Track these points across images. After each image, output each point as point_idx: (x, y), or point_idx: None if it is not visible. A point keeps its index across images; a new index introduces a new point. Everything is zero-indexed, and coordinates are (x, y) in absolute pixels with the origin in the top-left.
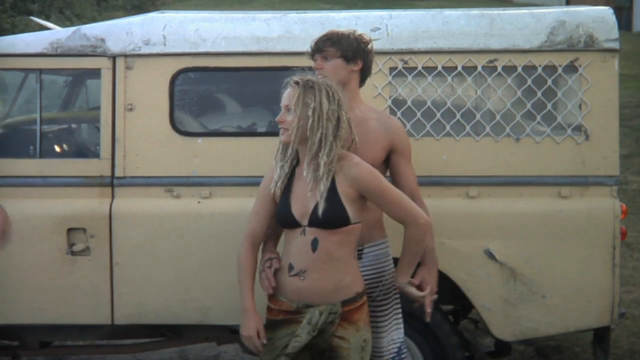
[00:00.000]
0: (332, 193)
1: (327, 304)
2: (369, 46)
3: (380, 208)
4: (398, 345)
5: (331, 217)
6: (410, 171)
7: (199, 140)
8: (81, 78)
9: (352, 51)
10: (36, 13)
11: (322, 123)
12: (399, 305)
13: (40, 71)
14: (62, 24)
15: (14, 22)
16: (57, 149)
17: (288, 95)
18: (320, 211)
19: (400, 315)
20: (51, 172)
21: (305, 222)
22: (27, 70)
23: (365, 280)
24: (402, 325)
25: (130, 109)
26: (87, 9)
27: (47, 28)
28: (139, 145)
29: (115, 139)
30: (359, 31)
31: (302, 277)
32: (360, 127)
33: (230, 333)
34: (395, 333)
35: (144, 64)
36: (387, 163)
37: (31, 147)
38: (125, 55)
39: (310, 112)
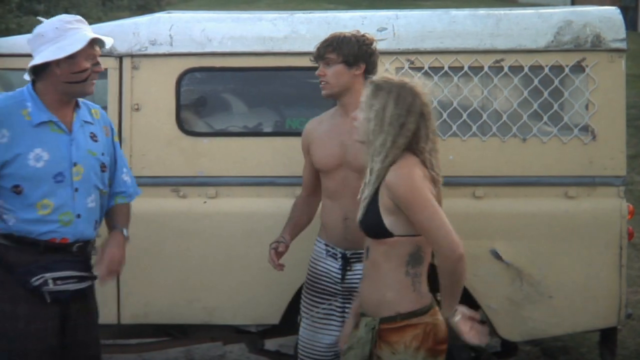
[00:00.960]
0: (373, 201)
1: (371, 317)
2: (372, 46)
3: (412, 223)
4: None
5: (368, 226)
6: None
7: (205, 140)
8: None
9: (354, 55)
10: (42, 13)
11: (384, 127)
12: None
13: None
14: None
15: (20, 22)
16: None
17: (362, 96)
18: (359, 219)
19: None
20: None
21: (360, 228)
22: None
23: (358, 282)
24: None
25: (137, 109)
26: (93, 9)
27: None
28: (145, 145)
29: (121, 139)
30: (362, 31)
31: (362, 283)
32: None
33: (236, 333)
34: None
35: (150, 64)
36: None
37: None
38: (132, 56)
39: (372, 115)
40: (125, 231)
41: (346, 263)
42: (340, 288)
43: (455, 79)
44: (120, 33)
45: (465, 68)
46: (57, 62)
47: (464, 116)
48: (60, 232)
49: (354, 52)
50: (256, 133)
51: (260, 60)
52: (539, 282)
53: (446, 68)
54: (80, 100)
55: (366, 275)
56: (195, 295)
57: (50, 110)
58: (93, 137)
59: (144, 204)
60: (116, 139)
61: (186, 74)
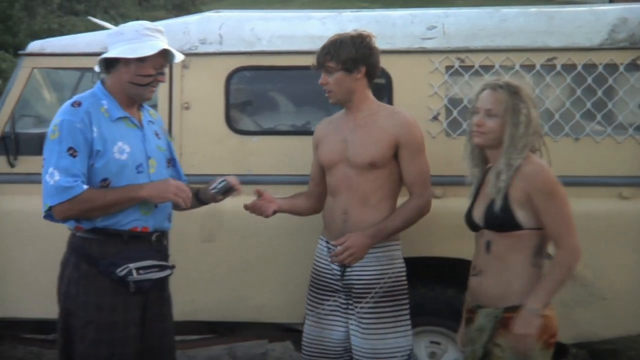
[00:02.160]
0: (504, 195)
1: (492, 307)
2: (370, 45)
3: (540, 216)
4: (407, 353)
5: (495, 219)
6: (415, 166)
7: (254, 139)
8: None
9: (352, 60)
10: (82, 13)
11: (529, 130)
12: (406, 312)
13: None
14: (108, 23)
15: (61, 22)
16: None
17: (491, 99)
18: (488, 213)
19: (408, 323)
20: None
21: (481, 223)
22: (84, 70)
23: (362, 280)
24: (410, 333)
25: (187, 108)
26: (131, 8)
27: (104, 28)
28: (194, 144)
29: (171, 137)
30: (359, 30)
31: (478, 278)
32: (366, 126)
33: (284, 331)
34: (402, 340)
35: (200, 63)
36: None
37: None
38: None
39: (520, 120)
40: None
41: None
42: (341, 285)
43: (507, 77)
44: (170, 32)
45: (517, 67)
46: (126, 61)
47: None
48: (142, 221)
49: (352, 57)
50: (304, 132)
51: (309, 59)
52: (592, 284)
53: (497, 67)
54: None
55: (485, 269)
56: (245, 293)
57: (122, 107)
58: (157, 134)
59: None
60: (170, 139)
61: (235, 73)
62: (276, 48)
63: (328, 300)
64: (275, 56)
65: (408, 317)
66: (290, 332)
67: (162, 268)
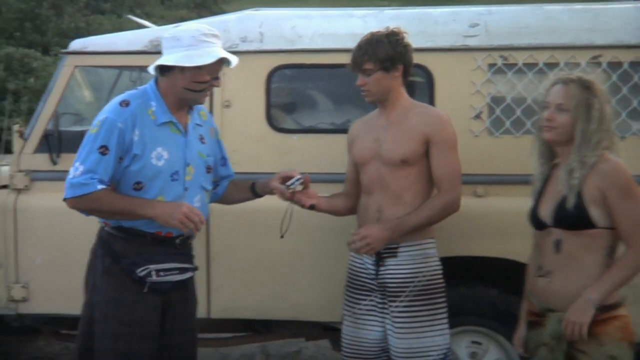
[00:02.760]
0: (577, 192)
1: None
2: (405, 42)
3: (613, 215)
4: (443, 352)
5: (568, 217)
6: (444, 162)
7: (295, 137)
8: None
9: (390, 59)
10: (108, 12)
11: (603, 126)
12: (442, 310)
13: (141, 69)
14: (133, 22)
15: (88, 21)
16: None
17: (562, 94)
18: (559, 211)
19: (445, 321)
20: None
21: (550, 221)
22: (123, 68)
23: (396, 279)
24: (447, 332)
25: (228, 106)
26: (155, 7)
27: (143, 26)
28: (235, 142)
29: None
30: (390, 27)
31: (547, 279)
32: (398, 124)
33: (322, 330)
34: (439, 339)
35: (240, 61)
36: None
37: None
38: None
39: (592, 115)
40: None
41: (379, 258)
42: (376, 284)
43: (551, 75)
44: None
45: (562, 64)
46: (182, 68)
47: None
48: (166, 228)
49: (390, 56)
50: (345, 130)
51: (350, 57)
52: (637, 285)
53: (541, 65)
54: None
55: (554, 269)
56: (285, 292)
57: (170, 111)
58: (202, 139)
59: None
60: (220, 138)
61: (276, 71)
62: (317, 46)
63: (364, 299)
64: (316, 54)
65: (445, 315)
66: (329, 331)
67: (183, 270)
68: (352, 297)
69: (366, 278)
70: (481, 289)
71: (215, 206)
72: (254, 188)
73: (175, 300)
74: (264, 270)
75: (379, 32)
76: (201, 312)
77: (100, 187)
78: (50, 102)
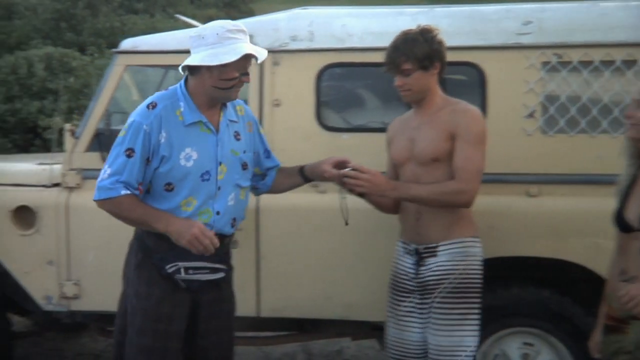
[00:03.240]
0: None
1: None
2: (440, 39)
3: None
4: (472, 353)
5: None
6: (464, 153)
7: (344, 135)
8: None
9: (428, 57)
10: (141, 12)
11: None
12: (475, 311)
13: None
14: (166, 21)
15: (122, 21)
16: None
17: None
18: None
19: (477, 322)
20: None
21: (637, 224)
22: (169, 67)
23: (433, 276)
24: (477, 334)
25: (277, 105)
26: (187, 6)
27: (192, 25)
28: (285, 141)
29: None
30: (422, 24)
31: (632, 285)
32: (430, 123)
33: (370, 329)
34: (468, 339)
35: (290, 59)
36: None
37: None
38: (273, 51)
39: None
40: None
41: (419, 258)
42: (415, 284)
43: (607, 73)
44: (259, 29)
45: (618, 62)
46: (208, 67)
47: (615, 112)
48: None
49: (427, 54)
50: None
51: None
52: None
53: (597, 62)
54: None
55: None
56: (335, 291)
57: (200, 110)
58: (237, 135)
59: (284, 199)
60: (261, 131)
61: (326, 70)
62: (367, 44)
63: (404, 301)
64: (366, 52)
65: (477, 316)
66: (377, 331)
67: (214, 270)
68: (394, 299)
69: (406, 279)
70: (534, 290)
71: (265, 205)
72: (303, 172)
73: (207, 301)
74: (314, 269)
75: (411, 30)
76: (250, 310)
77: (123, 192)
78: (101, 101)
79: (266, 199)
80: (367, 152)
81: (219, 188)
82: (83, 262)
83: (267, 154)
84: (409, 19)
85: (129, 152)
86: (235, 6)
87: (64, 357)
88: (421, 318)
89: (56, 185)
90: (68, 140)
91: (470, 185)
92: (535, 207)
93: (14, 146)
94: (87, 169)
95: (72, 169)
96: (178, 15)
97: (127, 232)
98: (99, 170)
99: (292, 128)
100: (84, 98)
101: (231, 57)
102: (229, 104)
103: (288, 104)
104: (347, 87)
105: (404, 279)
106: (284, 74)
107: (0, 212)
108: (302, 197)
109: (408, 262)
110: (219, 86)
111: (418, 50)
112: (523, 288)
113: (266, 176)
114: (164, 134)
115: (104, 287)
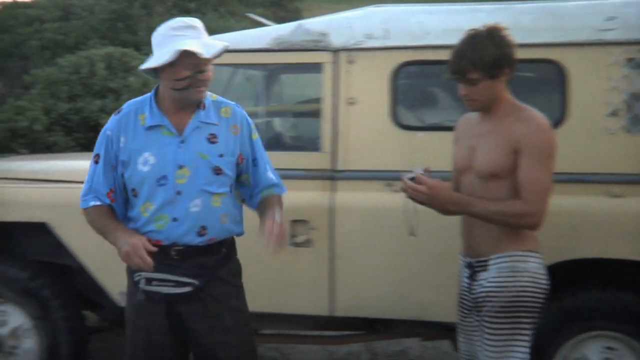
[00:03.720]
0: None
1: None
2: (511, 41)
3: None
4: None
5: None
6: (528, 170)
7: (419, 134)
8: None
9: (497, 65)
10: (193, 12)
11: None
12: (525, 332)
13: (265, 66)
14: (216, 21)
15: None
16: (278, 141)
17: None
18: None
19: (526, 345)
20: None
21: None
22: (247, 66)
23: (481, 292)
24: (526, 356)
25: (352, 103)
26: (237, 6)
27: (262, 24)
28: (359, 139)
29: (336, 132)
30: (490, 24)
31: None
32: (493, 133)
33: (443, 330)
34: None
35: (365, 57)
36: None
37: None
38: (348, 50)
39: None
40: (277, 214)
41: (472, 272)
42: (470, 300)
43: None
44: (335, 27)
45: None
46: (162, 69)
47: None
48: (155, 234)
49: (497, 61)
50: None
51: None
52: None
53: None
54: (211, 100)
55: None
56: (409, 291)
57: (165, 114)
58: (211, 138)
59: (358, 198)
60: (254, 137)
61: (402, 68)
62: (444, 42)
63: (468, 316)
64: (443, 50)
65: (528, 338)
66: (449, 332)
67: (179, 284)
68: (460, 313)
69: (465, 294)
70: (616, 293)
71: (339, 203)
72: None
73: (188, 314)
74: (388, 269)
75: (478, 31)
76: (322, 310)
77: (92, 203)
78: None
79: (341, 197)
80: (441, 151)
81: (178, 193)
82: None
83: (255, 162)
84: (486, 15)
85: (96, 158)
86: (282, 5)
87: None
88: (480, 334)
89: None
90: None
91: (537, 207)
92: (619, 208)
93: (77, 144)
94: None
95: None
96: (249, 14)
97: None
98: None
99: (367, 127)
100: None
101: (164, 57)
102: (209, 105)
103: (363, 103)
104: (422, 85)
105: (464, 293)
106: (359, 72)
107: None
108: (376, 197)
109: (465, 276)
110: (174, 87)
111: (486, 56)
112: (605, 290)
113: (253, 196)
114: (122, 138)
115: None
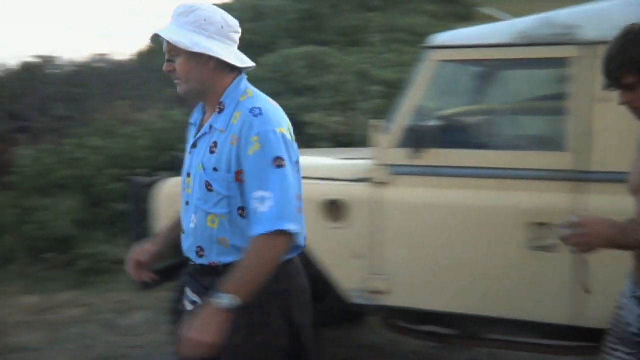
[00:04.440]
0: None
1: None
2: None
3: None
4: None
5: None
6: None
7: None
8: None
9: None
10: (378, 9)
11: None
12: None
13: (507, 62)
14: (403, 18)
15: (367, 18)
16: (517, 140)
17: None
18: None
19: None
20: (512, 165)
21: None
22: (489, 62)
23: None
24: None
25: (604, 100)
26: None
27: (498, 19)
28: (614, 140)
29: (587, 132)
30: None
31: None
32: None
33: None
34: None
35: None
36: None
37: (494, 138)
38: (602, 43)
39: None
40: (220, 299)
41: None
42: (630, 332)
43: None
44: (587, 19)
45: None
46: None
47: None
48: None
49: None
50: None
51: None
52: None
53: None
54: (239, 99)
55: None
56: None
57: (204, 110)
58: (212, 147)
59: (609, 201)
60: (251, 152)
61: None
62: None
63: (617, 350)
64: None
65: None
66: None
67: (191, 302)
68: (609, 341)
69: (627, 328)
70: None
71: (593, 208)
72: None
73: None
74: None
75: (632, 27)
76: (563, 318)
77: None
78: (412, 97)
79: (591, 201)
80: None
81: (187, 203)
82: (394, 258)
83: (241, 177)
84: None
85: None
86: (456, 2)
87: (341, 347)
88: None
89: (362, 180)
90: (378, 136)
91: None
92: None
93: None
94: (397, 165)
95: (382, 165)
96: (479, 9)
97: (437, 229)
98: (409, 166)
99: (623, 126)
100: (341, 95)
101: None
102: (230, 106)
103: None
104: None
105: (625, 327)
106: None
107: (311, 205)
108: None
109: (629, 307)
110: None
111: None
112: None
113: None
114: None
115: (415, 284)
